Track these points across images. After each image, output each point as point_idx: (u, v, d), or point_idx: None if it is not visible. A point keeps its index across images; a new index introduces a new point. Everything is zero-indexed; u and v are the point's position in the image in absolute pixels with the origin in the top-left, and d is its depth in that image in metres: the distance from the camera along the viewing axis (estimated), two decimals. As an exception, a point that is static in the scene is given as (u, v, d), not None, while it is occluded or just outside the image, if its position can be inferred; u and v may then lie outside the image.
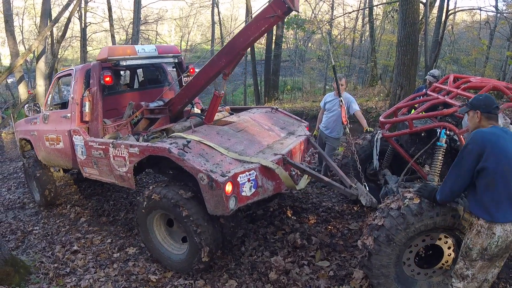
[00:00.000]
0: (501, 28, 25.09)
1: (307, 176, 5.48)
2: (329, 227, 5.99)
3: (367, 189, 4.86)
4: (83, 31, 26.86)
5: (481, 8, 18.13)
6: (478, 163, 3.19)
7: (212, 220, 4.67)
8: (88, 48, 29.29)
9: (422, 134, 4.93)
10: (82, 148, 5.89)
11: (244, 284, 4.82)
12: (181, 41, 45.71)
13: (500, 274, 4.63)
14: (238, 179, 4.35)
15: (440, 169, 4.35)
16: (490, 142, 3.17)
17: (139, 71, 7.96)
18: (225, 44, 5.26)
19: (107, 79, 5.83)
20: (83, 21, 26.48)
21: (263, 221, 6.24)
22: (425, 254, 4.13)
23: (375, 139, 5.73)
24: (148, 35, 34.74)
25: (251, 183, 4.51)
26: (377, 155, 5.71)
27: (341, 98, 5.55)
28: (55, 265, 5.56)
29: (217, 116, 6.34)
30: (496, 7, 21.04)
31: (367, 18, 26.45)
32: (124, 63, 6.14)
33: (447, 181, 3.43)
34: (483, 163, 3.16)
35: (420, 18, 13.84)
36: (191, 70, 6.71)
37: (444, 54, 25.57)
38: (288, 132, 6.25)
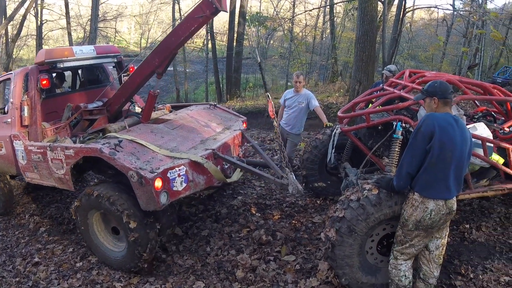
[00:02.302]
0: (458, 25, 25.87)
1: (240, 169, 5.68)
2: (293, 221, 6.05)
3: (294, 178, 4.99)
4: (39, 29, 26.08)
5: (438, 6, 18.60)
6: (428, 144, 3.37)
7: (146, 216, 4.76)
8: (45, 47, 28.38)
9: (379, 127, 5.05)
10: (22, 153, 5.87)
11: (211, 284, 4.82)
12: (141, 39, 45.06)
13: (461, 256, 4.83)
14: (168, 174, 4.53)
15: (397, 160, 4.46)
16: (440, 127, 3.36)
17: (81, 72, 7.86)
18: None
19: (44, 82, 5.88)
20: (39, 19, 25.70)
21: (227, 220, 6.24)
22: (387, 242, 4.24)
23: (333, 133, 5.83)
24: (107, 33, 34.00)
25: (182, 178, 4.69)
26: (333, 148, 5.81)
27: (267, 93, 5.64)
28: (17, 279, 5.42)
29: (156, 114, 6.51)
30: (453, 5, 21.62)
31: (328, 16, 26.77)
32: (62, 65, 6.17)
33: (403, 163, 3.57)
34: (431, 145, 3.36)
35: (378, 16, 14.14)
36: (131, 69, 6.71)
37: (403, 51, 26.17)
38: (224, 127, 6.43)
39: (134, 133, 5.40)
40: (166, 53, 5.24)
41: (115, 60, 7.13)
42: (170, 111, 7.04)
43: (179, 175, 4.67)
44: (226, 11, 4.92)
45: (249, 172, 5.78)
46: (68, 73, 7.49)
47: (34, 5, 21.89)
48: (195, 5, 4.81)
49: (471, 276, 4.51)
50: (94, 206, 5.03)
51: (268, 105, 5.27)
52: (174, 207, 5.48)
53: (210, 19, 4.96)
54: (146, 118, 6.00)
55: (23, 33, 25.92)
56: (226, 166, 5.58)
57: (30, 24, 31.32)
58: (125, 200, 4.75)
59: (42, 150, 5.50)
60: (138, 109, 6.92)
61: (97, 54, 6.72)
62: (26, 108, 5.96)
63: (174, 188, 4.62)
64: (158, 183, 4.38)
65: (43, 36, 27.68)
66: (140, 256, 4.80)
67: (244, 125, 6.82)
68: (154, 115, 6.36)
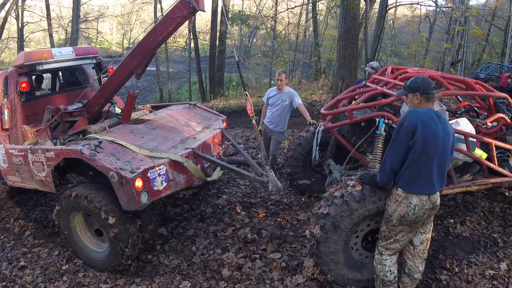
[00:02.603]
0: (440, 22, 26.18)
1: (220, 167, 5.74)
2: (279, 219, 6.05)
3: (274, 176, 5.09)
4: (20, 31, 25.70)
5: (421, 3, 18.75)
6: (411, 139, 3.40)
7: (125, 211, 4.75)
8: (26, 49, 28.06)
9: (362, 124, 5.08)
10: (3, 156, 5.85)
11: (197, 284, 4.81)
12: (123, 39, 44.77)
13: (446, 251, 4.88)
14: (148, 174, 4.57)
15: (380, 156, 4.48)
16: (422, 122, 3.38)
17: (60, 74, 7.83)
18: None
19: (24, 85, 5.87)
20: (20, 21, 25.35)
21: (212, 219, 6.22)
22: (372, 238, 4.26)
23: (317, 131, 5.85)
24: (89, 34, 33.81)
25: (162, 177, 4.74)
26: (317, 146, 5.83)
27: (246, 92, 5.76)
28: (3, 283, 5.35)
29: (136, 115, 6.55)
30: (435, 1, 21.90)
31: (311, 14, 26.83)
32: (41, 68, 6.16)
33: (386, 159, 3.59)
34: (414, 140, 3.38)
35: (361, 13, 14.22)
36: (110, 70, 6.73)
37: (386, 47, 26.37)
38: (204, 126, 6.47)
39: (114, 134, 5.43)
40: (145, 53, 5.26)
41: (94, 62, 7.13)
42: (150, 112, 7.07)
43: (159, 175, 4.71)
44: (203, 11, 4.97)
45: (229, 171, 5.80)
46: (47, 75, 7.48)
47: (14, 8, 21.61)
48: (173, 5, 4.84)
49: (456, 270, 4.57)
50: (74, 207, 5.03)
51: (246, 104, 5.30)
52: (155, 203, 5.48)
53: (188, 19, 5.00)
54: (126, 118, 6.02)
55: (4, 35, 25.67)
56: (206, 165, 5.62)
57: (11, 27, 30.92)
58: (103, 197, 4.77)
59: (23, 153, 5.47)
60: (118, 110, 6.94)
61: (76, 56, 6.71)
62: (6, 112, 5.94)
63: (155, 188, 4.67)
64: (139, 183, 4.42)
65: (24, 38, 27.28)
66: (123, 252, 4.79)
67: (224, 124, 6.86)
68: (134, 115, 6.40)
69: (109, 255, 5.01)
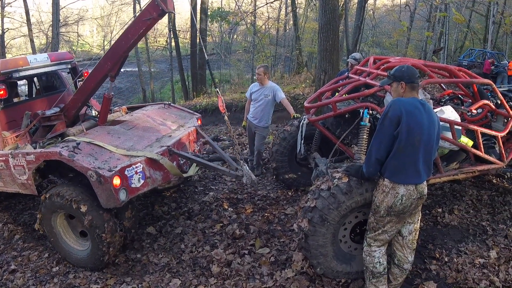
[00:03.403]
0: (421, 10, 26.32)
1: (195, 164, 5.90)
2: (266, 214, 6.05)
3: (248, 169, 5.21)
4: (1, 38, 25.26)
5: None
6: (396, 129, 3.39)
7: (107, 212, 4.89)
8: (8, 56, 27.67)
9: (346, 116, 5.08)
10: None
11: (187, 281, 4.79)
12: (104, 41, 44.44)
13: (435, 241, 4.91)
14: (126, 172, 4.73)
15: (366, 147, 4.48)
16: (407, 111, 3.38)
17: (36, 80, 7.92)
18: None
19: (1, 92, 5.98)
20: (0, 28, 25.03)
21: (200, 216, 6.20)
22: (360, 229, 4.27)
23: (301, 124, 5.85)
24: (69, 37, 33.57)
25: (139, 175, 4.91)
26: (302, 139, 5.83)
27: (217, 89, 5.85)
28: (-5, 287, 5.33)
29: (112, 116, 6.69)
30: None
31: (290, 7, 26.80)
32: (18, 75, 6.26)
33: (371, 150, 3.58)
34: (399, 130, 3.38)
35: (340, 5, 14.22)
36: (85, 74, 6.81)
37: (367, 38, 26.47)
38: (179, 125, 6.62)
39: (92, 135, 5.58)
40: (117, 56, 5.36)
41: (69, 66, 7.25)
42: (126, 113, 7.20)
43: (136, 172, 4.86)
44: (173, 12, 5.11)
45: (204, 166, 5.97)
46: (23, 82, 7.56)
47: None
48: (143, 8, 5.00)
49: (446, 259, 4.60)
50: (51, 209, 5.17)
51: (218, 101, 5.41)
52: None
53: (158, 21, 5.14)
54: (103, 120, 6.11)
55: (-16, 43, 25.26)
56: (182, 162, 5.76)
57: (-9, 33, 30.56)
58: (72, 190, 4.93)
59: (4, 158, 5.53)
60: (95, 113, 7.06)
61: (52, 62, 6.81)
62: None
63: (133, 185, 4.81)
64: (117, 181, 4.57)
65: (5, 45, 26.89)
66: (101, 239, 4.85)
67: (199, 121, 7.01)
68: (110, 117, 6.53)
69: (92, 248, 5.07)
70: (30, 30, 24.03)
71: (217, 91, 5.64)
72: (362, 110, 4.56)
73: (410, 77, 3.56)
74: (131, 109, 7.49)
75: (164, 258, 5.32)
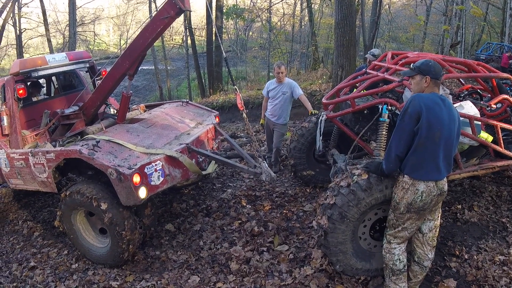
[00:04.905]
0: (437, 3, 25.99)
1: (214, 161, 5.91)
2: (284, 211, 6.04)
3: (267, 166, 5.17)
4: (19, 38, 25.72)
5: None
6: (416, 125, 3.35)
7: (126, 210, 4.95)
8: (26, 56, 28.04)
9: (365, 112, 5.03)
10: (5, 160, 6.01)
11: (206, 278, 4.81)
12: (120, 40, 44.82)
13: (455, 238, 4.84)
14: (145, 170, 4.76)
15: (385, 144, 4.44)
16: (427, 107, 3.33)
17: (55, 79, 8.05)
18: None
19: (21, 92, 6.17)
20: (18, 28, 25.36)
21: (218, 213, 6.23)
22: (380, 226, 4.23)
23: (319, 120, 5.81)
24: (86, 36, 33.92)
25: (159, 172, 4.93)
26: (320, 136, 5.79)
27: (235, 86, 5.72)
28: (14, 284, 5.39)
29: (130, 114, 6.77)
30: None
31: (305, 3, 26.69)
32: (37, 74, 6.36)
33: (391, 146, 3.55)
34: (419, 126, 3.34)
35: (356, 0, 14.10)
36: (103, 73, 6.91)
37: (383, 33, 26.22)
38: (197, 122, 6.63)
39: (111, 133, 5.61)
40: (135, 55, 5.40)
41: (88, 65, 7.33)
42: (145, 111, 7.25)
43: (156, 170, 4.89)
44: (190, 10, 5.18)
45: (223, 164, 5.96)
46: (42, 81, 7.65)
47: (11, 15, 21.57)
48: (160, 7, 5.00)
49: (466, 257, 4.53)
50: (71, 206, 5.22)
51: (236, 98, 5.38)
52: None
53: (175, 19, 5.17)
54: (121, 118, 6.17)
55: (3, 43, 25.77)
56: (200, 159, 5.76)
57: (9, 34, 31.05)
58: (93, 188, 4.98)
59: (24, 156, 5.63)
60: (113, 111, 7.14)
61: (70, 61, 6.91)
62: (5, 118, 6.16)
63: (152, 183, 4.84)
64: (136, 179, 4.60)
65: (23, 44, 27.30)
66: (121, 237, 4.90)
67: (217, 119, 7.01)
68: (129, 115, 6.59)
69: (112, 245, 5.13)
70: (47, 30, 24.35)
71: (235, 88, 5.60)
72: (381, 106, 4.52)
73: (437, 73, 3.49)
74: (149, 107, 7.53)
75: (183, 255, 5.34)
